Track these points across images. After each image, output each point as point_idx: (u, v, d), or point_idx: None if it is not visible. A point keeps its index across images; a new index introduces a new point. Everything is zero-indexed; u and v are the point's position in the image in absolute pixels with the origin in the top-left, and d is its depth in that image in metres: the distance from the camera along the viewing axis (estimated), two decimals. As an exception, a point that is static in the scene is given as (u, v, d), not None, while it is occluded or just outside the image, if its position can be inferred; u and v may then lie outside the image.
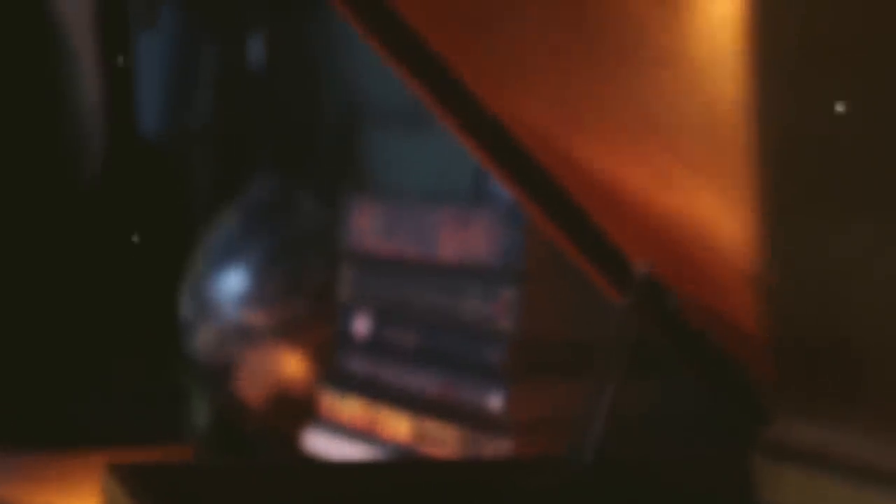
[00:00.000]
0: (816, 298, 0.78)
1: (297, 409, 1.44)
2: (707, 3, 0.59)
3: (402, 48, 0.86)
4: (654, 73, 0.68)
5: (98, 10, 1.88)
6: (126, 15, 1.88)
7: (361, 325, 1.32)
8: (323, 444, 1.33)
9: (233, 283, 1.48)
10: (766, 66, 0.61)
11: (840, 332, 0.78)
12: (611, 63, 0.71)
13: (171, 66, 2.02)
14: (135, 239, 1.79)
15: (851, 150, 0.62)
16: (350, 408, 1.31)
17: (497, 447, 1.12)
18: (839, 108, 0.59)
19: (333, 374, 1.36)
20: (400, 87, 0.90)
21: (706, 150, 0.71)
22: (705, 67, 0.64)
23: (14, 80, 1.84)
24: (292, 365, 1.46)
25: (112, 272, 1.89)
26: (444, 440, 1.18)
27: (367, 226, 1.31)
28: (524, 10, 0.73)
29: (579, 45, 0.72)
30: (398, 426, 1.24)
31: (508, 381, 1.13)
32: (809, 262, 0.75)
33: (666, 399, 1.15)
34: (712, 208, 0.78)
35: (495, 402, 1.14)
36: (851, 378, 0.81)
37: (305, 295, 1.46)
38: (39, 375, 1.79)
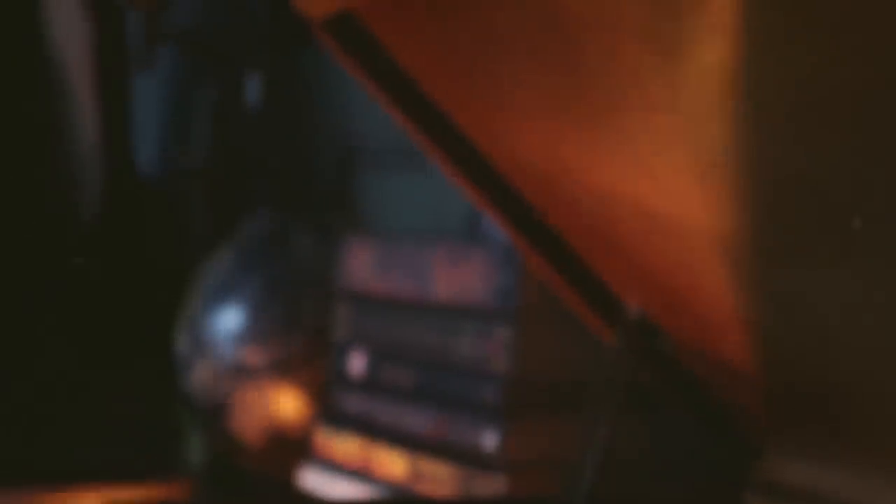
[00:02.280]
0: (806, 340, 0.79)
1: (293, 447, 1.44)
2: (696, 51, 0.60)
3: (397, 90, 0.87)
4: (646, 117, 0.69)
5: (96, 50, 1.88)
6: (124, 54, 1.89)
7: (356, 364, 1.33)
8: (318, 482, 1.34)
9: (229, 320, 1.49)
10: (756, 112, 0.62)
11: (829, 373, 0.79)
12: (602, 107, 0.72)
13: (169, 105, 2.03)
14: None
15: (841, 196, 0.63)
16: (345, 446, 1.31)
17: (491, 486, 1.13)
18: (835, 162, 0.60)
19: (329, 412, 1.37)
20: (395, 127, 0.91)
21: (697, 194, 0.72)
22: (696, 113, 0.65)
23: (13, 118, 1.85)
24: (288, 403, 1.47)
25: (109, 309, 1.89)
26: (438, 479, 1.18)
27: (362, 265, 1.32)
28: (517, 54, 0.74)
29: (572, 89, 0.73)
30: (393, 464, 1.24)
31: (503, 420, 1.14)
32: (799, 305, 0.76)
33: (658, 438, 1.15)
34: (703, 251, 0.78)
35: (490, 440, 1.14)
36: (841, 418, 0.81)
37: (301, 333, 1.46)
38: (36, 412, 1.80)
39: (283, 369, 1.46)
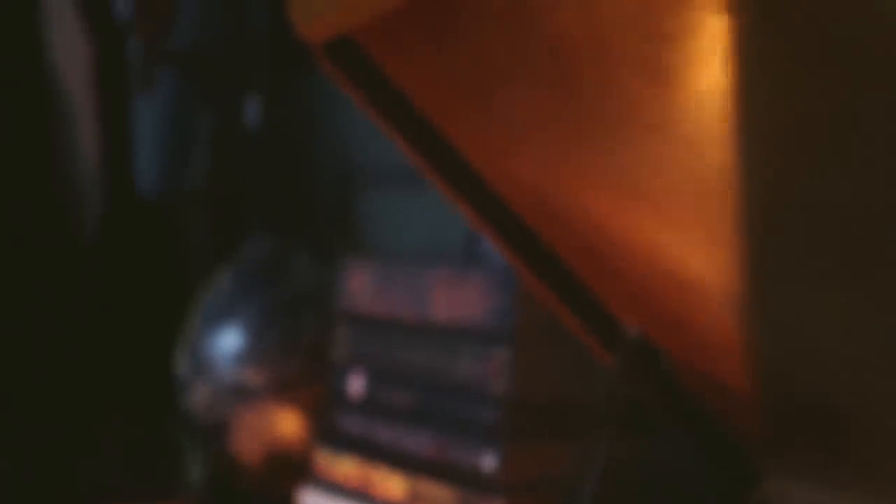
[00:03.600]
0: (805, 362, 0.79)
1: (292, 468, 1.45)
2: (690, 77, 0.61)
3: (396, 114, 0.87)
4: (643, 141, 0.69)
5: (97, 72, 1.89)
6: (125, 76, 1.90)
7: (356, 385, 1.33)
8: (317, 503, 1.34)
9: (228, 341, 1.49)
10: (749, 137, 0.62)
11: (828, 395, 0.80)
12: (601, 131, 0.72)
13: (169, 127, 2.03)
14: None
15: (834, 216, 0.64)
16: (344, 467, 1.32)
17: (490, 507, 1.13)
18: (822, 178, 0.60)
19: (328, 433, 1.37)
20: (394, 149, 0.91)
21: (694, 215, 0.73)
22: (692, 136, 0.65)
23: (14, 139, 1.85)
24: (287, 423, 1.47)
25: (108, 330, 1.90)
26: (437, 500, 1.18)
27: (361, 286, 1.32)
28: (515, 78, 0.74)
29: (570, 113, 0.73)
30: (392, 485, 1.24)
31: (502, 441, 1.14)
32: (797, 327, 0.76)
33: (658, 459, 1.16)
34: (701, 272, 0.79)
35: (489, 462, 1.14)
36: (840, 438, 0.82)
37: (300, 354, 1.46)
38: (36, 433, 1.80)
39: (282, 390, 1.47)
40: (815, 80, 0.56)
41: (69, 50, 1.88)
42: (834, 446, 0.83)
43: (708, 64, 0.59)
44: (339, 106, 1.71)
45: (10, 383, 1.81)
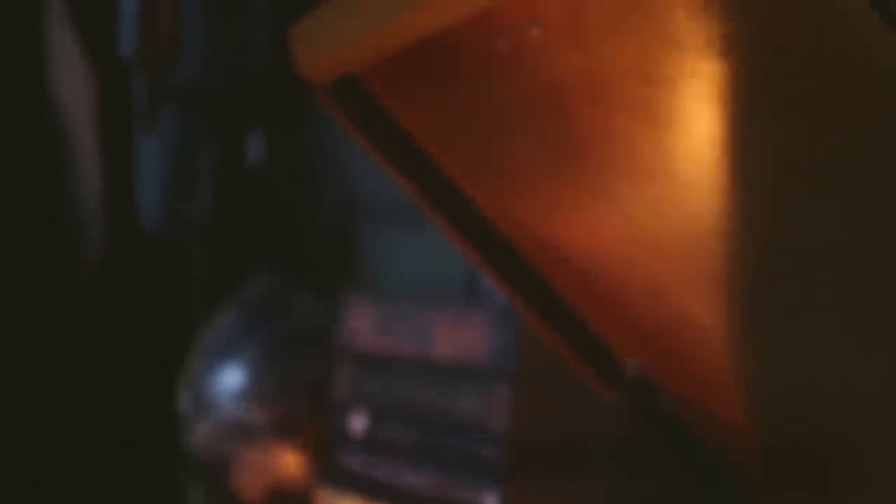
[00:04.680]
0: (804, 400, 0.79)
1: (294, 505, 1.45)
2: (690, 120, 0.62)
3: (397, 153, 0.88)
4: (642, 183, 0.70)
5: (100, 107, 1.90)
6: (128, 111, 1.91)
7: (357, 423, 1.33)
8: (319, 540, 1.34)
9: (230, 379, 1.49)
10: (747, 178, 0.63)
11: (826, 430, 0.80)
12: (600, 173, 0.73)
13: (172, 162, 2.04)
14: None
15: (830, 256, 0.64)
16: (346, 504, 1.32)
17: (492, 544, 1.13)
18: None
19: (330, 471, 1.37)
20: (396, 186, 0.92)
21: (692, 256, 0.73)
22: (690, 179, 0.66)
23: (17, 172, 1.86)
24: (289, 461, 1.47)
25: (109, 366, 1.90)
26: (439, 537, 1.18)
27: (363, 324, 1.33)
28: (516, 121, 0.75)
29: (570, 155, 0.74)
30: (394, 523, 1.25)
31: (503, 478, 1.14)
32: (794, 363, 0.76)
33: (658, 495, 1.16)
34: (699, 311, 0.79)
35: (490, 499, 1.15)
36: (837, 474, 0.82)
37: (302, 392, 1.47)
38: (36, 468, 1.80)
39: (284, 428, 1.47)
40: (809, 124, 0.57)
41: (73, 84, 1.88)
42: (831, 482, 0.83)
43: (704, 108, 0.59)
44: (342, 143, 1.71)
45: (11, 418, 1.80)
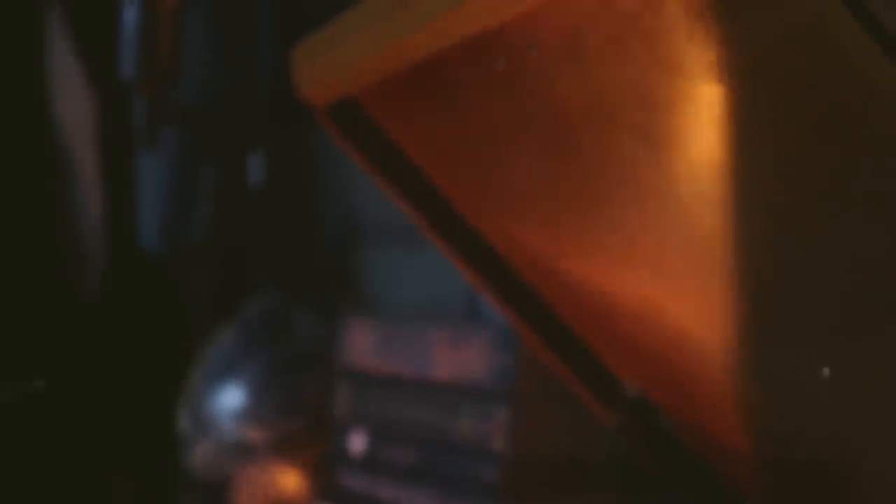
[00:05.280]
0: (802, 419, 0.79)
1: (294, 525, 1.44)
2: (688, 142, 0.62)
3: (396, 174, 0.88)
4: (641, 204, 0.70)
5: (101, 129, 1.90)
6: (129, 133, 1.91)
7: (357, 443, 1.33)
8: (319, 561, 1.34)
9: (230, 399, 1.49)
10: (746, 200, 0.63)
11: (824, 452, 0.80)
12: (599, 194, 0.73)
13: (172, 183, 2.04)
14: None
15: (828, 279, 0.64)
16: (346, 524, 1.32)
17: (491, 565, 1.13)
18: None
19: (329, 491, 1.37)
20: (395, 207, 0.92)
21: (691, 277, 0.73)
22: (689, 201, 0.66)
23: (17, 194, 1.86)
24: (289, 481, 1.47)
25: (110, 386, 1.90)
26: (438, 558, 1.18)
27: (363, 345, 1.33)
28: (516, 142, 0.75)
29: (569, 177, 0.74)
30: (393, 543, 1.25)
31: (501, 499, 1.14)
32: (793, 385, 0.77)
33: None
34: (699, 332, 0.79)
35: (489, 520, 1.15)
36: (835, 495, 0.82)
37: (302, 412, 1.47)
38: (37, 490, 1.79)
39: (283, 448, 1.47)
40: (805, 147, 0.57)
41: (73, 106, 1.89)
42: (829, 502, 0.83)
43: (702, 130, 0.60)
44: (342, 164, 1.72)
45: (10, 438, 1.80)
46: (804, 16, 0.47)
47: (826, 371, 0.62)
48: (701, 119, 0.59)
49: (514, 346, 1.13)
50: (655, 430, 0.93)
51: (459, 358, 1.19)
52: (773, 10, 0.49)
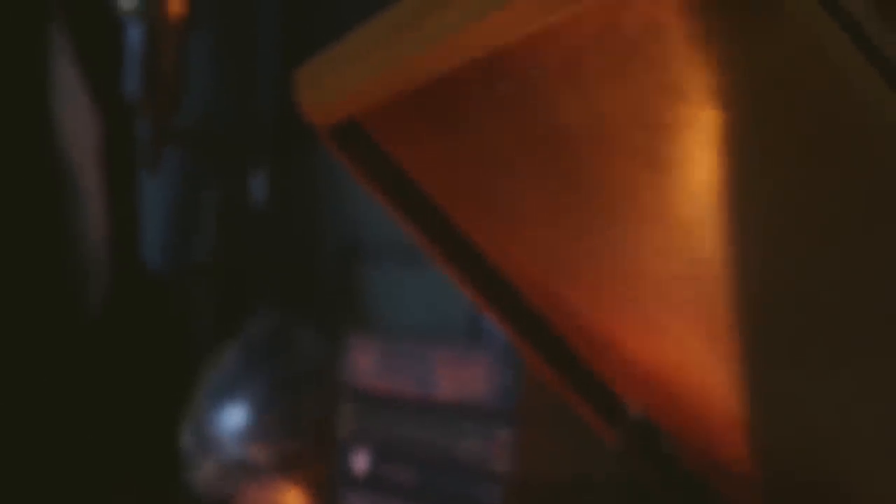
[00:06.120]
0: (804, 441, 0.79)
1: (296, 544, 1.44)
2: (690, 166, 0.62)
3: (400, 195, 0.88)
4: (642, 227, 0.70)
5: (105, 148, 1.91)
6: (132, 152, 1.91)
7: (360, 462, 1.34)
8: (321, 581, 1.34)
9: (234, 418, 1.49)
10: (745, 224, 0.63)
11: (828, 474, 0.80)
12: (600, 216, 0.73)
13: (175, 202, 2.05)
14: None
15: (830, 301, 0.65)
16: (348, 544, 1.32)
17: (494, 585, 1.13)
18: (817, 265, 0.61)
19: (332, 510, 1.37)
20: (397, 226, 0.92)
21: (693, 300, 0.73)
22: (690, 224, 0.67)
23: (21, 214, 1.86)
24: (292, 500, 1.47)
25: (113, 406, 1.90)
26: (441, 578, 1.18)
27: (366, 364, 1.33)
28: (516, 163, 0.76)
29: (570, 199, 0.74)
30: (396, 563, 1.25)
31: (504, 519, 1.14)
32: (796, 406, 0.77)
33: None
34: (701, 354, 0.79)
35: (492, 540, 1.15)
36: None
37: (305, 431, 1.47)
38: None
39: (287, 467, 1.47)
40: (807, 172, 0.57)
41: (78, 126, 1.89)
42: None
43: (705, 154, 0.60)
44: (344, 183, 1.72)
45: (14, 457, 1.80)
46: (804, 43, 0.47)
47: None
48: (702, 143, 0.59)
49: (517, 365, 1.14)
50: (658, 451, 0.93)
51: (462, 377, 1.19)
52: (773, 38, 0.49)
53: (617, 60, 0.59)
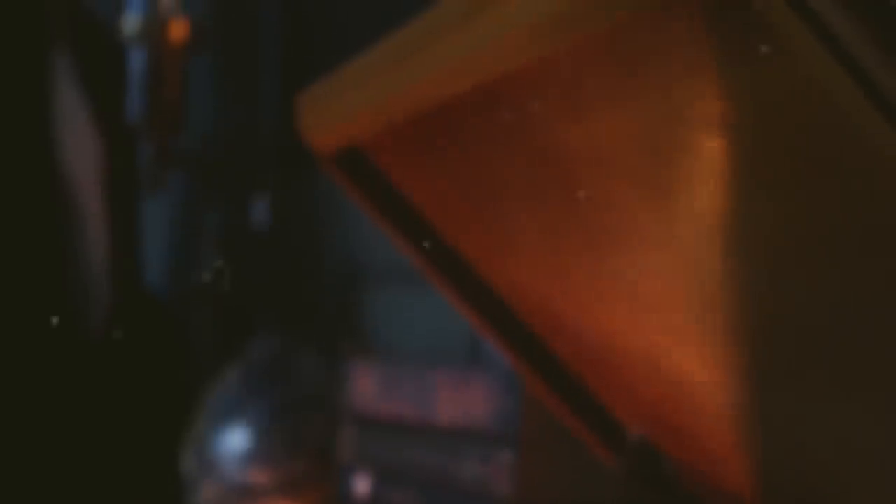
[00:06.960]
0: (804, 465, 0.80)
1: (297, 568, 1.44)
2: (689, 191, 0.63)
3: (400, 220, 0.89)
4: (642, 252, 0.71)
5: (106, 171, 1.91)
6: (134, 175, 1.92)
7: (361, 485, 1.34)
8: None
9: (235, 441, 1.49)
10: (745, 249, 0.64)
11: (826, 498, 0.80)
12: (600, 241, 0.74)
13: (177, 226, 2.05)
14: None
15: (830, 327, 0.65)
16: (350, 567, 1.32)
17: None
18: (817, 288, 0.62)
19: (333, 534, 1.37)
20: (398, 250, 0.92)
21: (693, 325, 0.74)
22: (690, 249, 0.67)
23: (23, 236, 1.86)
24: (293, 523, 1.47)
25: (114, 429, 1.89)
26: None
27: (366, 387, 1.33)
28: (517, 188, 0.76)
29: (571, 223, 0.75)
30: (397, 587, 1.24)
31: (506, 543, 1.14)
32: (796, 431, 0.77)
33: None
34: (702, 377, 0.80)
35: (493, 563, 1.15)
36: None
37: (306, 454, 1.47)
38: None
39: (288, 490, 1.47)
40: (806, 199, 0.58)
41: (79, 150, 1.90)
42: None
43: (704, 180, 0.60)
44: (345, 206, 1.72)
45: (15, 479, 1.80)
46: (803, 76, 0.48)
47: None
48: (702, 170, 0.60)
49: (518, 389, 1.14)
50: (658, 474, 0.93)
51: (463, 401, 1.19)
52: (773, 69, 0.49)
53: (616, 86, 0.59)
